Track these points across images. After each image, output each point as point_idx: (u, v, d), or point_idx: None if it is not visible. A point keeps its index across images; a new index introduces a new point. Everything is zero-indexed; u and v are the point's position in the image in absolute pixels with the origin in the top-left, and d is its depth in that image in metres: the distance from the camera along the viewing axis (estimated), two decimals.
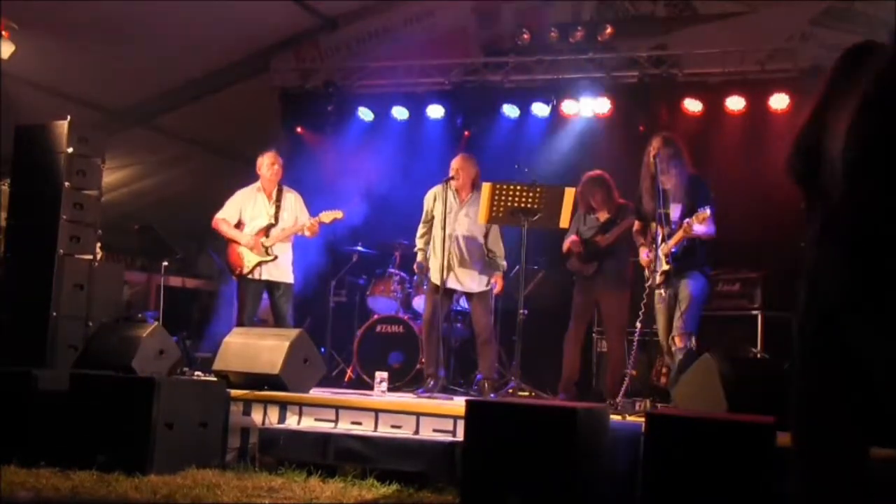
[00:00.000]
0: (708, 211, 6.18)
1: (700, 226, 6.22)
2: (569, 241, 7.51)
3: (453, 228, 7.33)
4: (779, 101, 8.57)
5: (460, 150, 9.59)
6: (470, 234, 7.37)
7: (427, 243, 7.61)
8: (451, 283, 7.35)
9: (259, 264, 7.71)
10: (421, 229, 7.67)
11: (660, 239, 6.43)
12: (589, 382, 8.03)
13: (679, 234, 6.33)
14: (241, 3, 8.95)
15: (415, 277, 8.10)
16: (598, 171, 7.49)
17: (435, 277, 7.34)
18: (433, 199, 7.56)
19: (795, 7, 8.74)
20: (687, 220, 6.27)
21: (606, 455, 4.80)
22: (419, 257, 7.70)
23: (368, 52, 10.25)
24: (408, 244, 9.02)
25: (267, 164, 7.91)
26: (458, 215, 7.35)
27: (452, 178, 7.31)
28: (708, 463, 4.24)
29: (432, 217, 7.54)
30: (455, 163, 7.44)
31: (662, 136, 6.60)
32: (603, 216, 7.46)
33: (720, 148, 8.55)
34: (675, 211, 6.46)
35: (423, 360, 7.65)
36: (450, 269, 7.30)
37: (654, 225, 6.50)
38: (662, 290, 6.50)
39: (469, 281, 7.38)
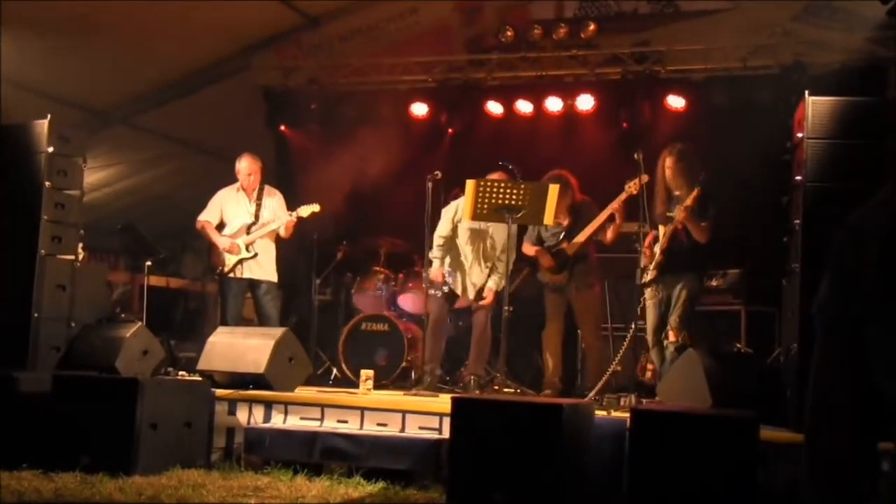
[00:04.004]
0: (694, 193, 6.40)
1: (692, 206, 6.38)
2: (534, 249, 7.50)
3: (480, 245, 7.52)
4: (760, 97, 8.61)
5: (444, 147, 9.65)
6: (491, 255, 7.57)
7: (445, 254, 7.63)
8: (472, 294, 7.57)
9: (239, 262, 7.71)
10: (441, 240, 7.61)
11: (660, 235, 6.60)
12: (574, 379, 8.05)
13: (676, 222, 6.47)
14: (223, 2, 8.91)
15: (441, 288, 7.92)
16: (558, 171, 7.32)
17: (458, 287, 7.56)
18: (456, 211, 7.56)
19: (777, 4, 8.79)
20: (678, 206, 6.43)
21: (592, 451, 4.81)
22: (436, 265, 7.58)
23: (351, 50, 10.22)
24: (392, 241, 9.04)
25: (244, 172, 7.90)
26: (489, 234, 7.52)
27: None
28: (692, 457, 4.26)
29: (454, 230, 7.60)
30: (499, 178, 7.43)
31: (676, 150, 6.70)
32: (565, 220, 7.39)
33: (703, 144, 8.56)
34: (680, 214, 6.58)
35: (425, 356, 7.60)
36: (471, 280, 7.55)
37: (660, 227, 6.65)
38: (655, 286, 6.62)
39: (481, 283, 7.58)
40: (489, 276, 7.54)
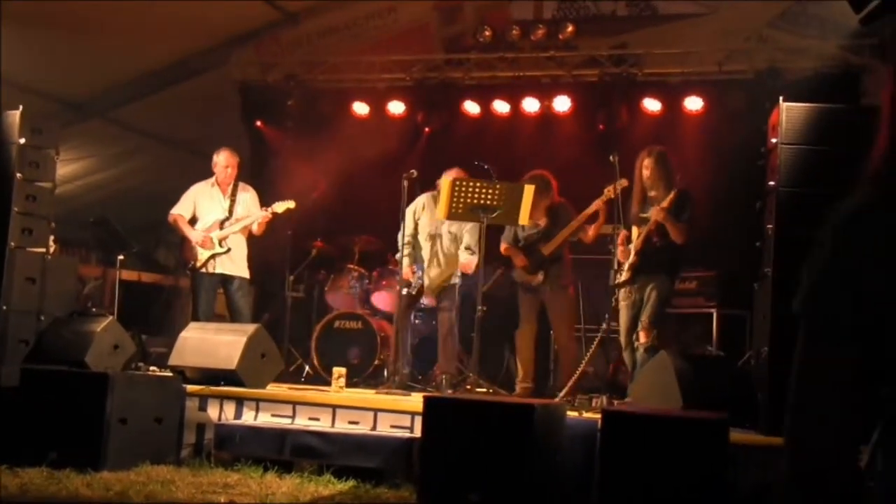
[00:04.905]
0: (671, 196, 6.48)
1: (667, 207, 6.44)
2: (508, 247, 7.52)
3: (438, 242, 7.54)
4: (735, 102, 8.67)
5: (421, 146, 9.62)
6: (451, 251, 7.58)
7: (413, 251, 7.64)
8: (426, 296, 7.61)
9: (212, 257, 7.68)
10: (407, 239, 7.60)
11: (634, 236, 6.64)
12: (546, 379, 8.07)
13: (651, 222, 6.51)
14: None
15: (414, 284, 7.91)
16: (539, 171, 7.40)
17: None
18: (422, 207, 7.57)
19: (753, 9, 8.85)
20: (654, 207, 6.47)
21: (563, 451, 4.82)
22: (405, 264, 7.56)
23: (330, 47, 10.19)
24: (367, 239, 9.02)
25: (221, 165, 7.88)
26: (442, 229, 7.53)
27: None
28: (663, 458, 4.27)
29: (417, 228, 7.61)
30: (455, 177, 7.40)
31: (656, 153, 6.74)
32: (543, 220, 7.43)
33: (678, 148, 8.62)
34: (658, 214, 6.62)
35: (391, 355, 7.60)
36: (428, 277, 7.56)
37: (633, 228, 6.69)
38: (629, 288, 6.66)
39: (439, 282, 7.58)
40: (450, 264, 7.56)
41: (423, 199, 7.71)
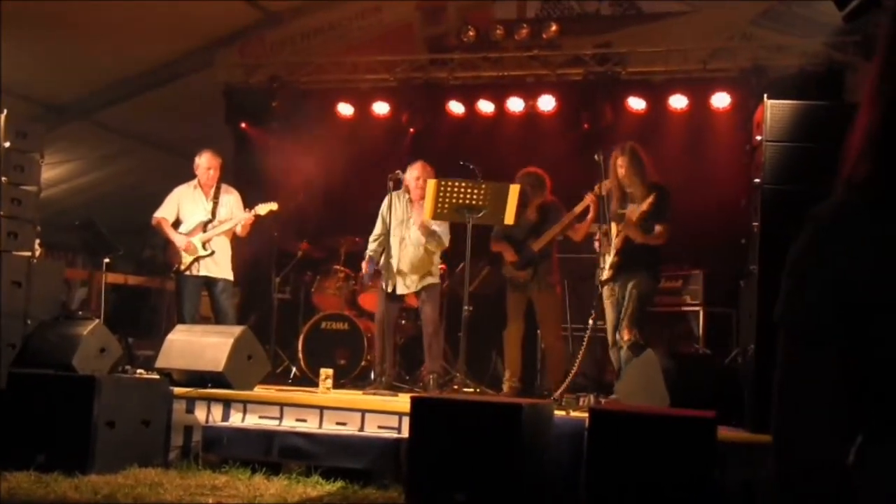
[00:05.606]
0: (650, 199, 6.45)
1: (642, 211, 6.45)
2: (499, 245, 7.52)
3: (406, 236, 7.42)
4: (720, 100, 8.70)
5: (406, 146, 9.61)
6: (419, 250, 7.47)
7: (379, 248, 7.60)
8: (401, 290, 7.47)
9: (196, 260, 7.66)
10: (373, 236, 7.62)
11: (613, 234, 6.64)
12: (534, 379, 8.08)
13: (625, 229, 6.53)
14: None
15: (365, 279, 7.97)
16: (534, 169, 7.46)
17: (388, 285, 7.44)
18: (388, 207, 7.55)
19: (737, 8, 8.88)
20: (624, 220, 6.49)
21: (550, 450, 4.84)
22: (366, 258, 7.61)
23: (314, 48, 10.18)
24: (353, 240, 9.01)
25: (203, 167, 7.86)
26: (411, 223, 7.45)
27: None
28: (650, 457, 4.29)
29: (387, 225, 7.57)
30: (419, 172, 7.38)
31: (628, 149, 6.76)
32: (533, 216, 7.45)
33: (663, 146, 8.65)
34: (629, 231, 6.64)
35: (376, 356, 7.60)
36: (400, 274, 7.42)
37: (613, 225, 6.71)
38: (612, 285, 6.68)
39: (418, 281, 7.47)
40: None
41: (390, 197, 7.64)
